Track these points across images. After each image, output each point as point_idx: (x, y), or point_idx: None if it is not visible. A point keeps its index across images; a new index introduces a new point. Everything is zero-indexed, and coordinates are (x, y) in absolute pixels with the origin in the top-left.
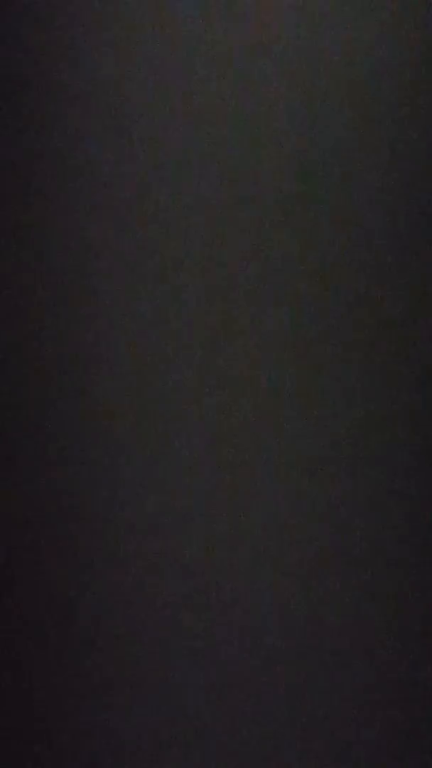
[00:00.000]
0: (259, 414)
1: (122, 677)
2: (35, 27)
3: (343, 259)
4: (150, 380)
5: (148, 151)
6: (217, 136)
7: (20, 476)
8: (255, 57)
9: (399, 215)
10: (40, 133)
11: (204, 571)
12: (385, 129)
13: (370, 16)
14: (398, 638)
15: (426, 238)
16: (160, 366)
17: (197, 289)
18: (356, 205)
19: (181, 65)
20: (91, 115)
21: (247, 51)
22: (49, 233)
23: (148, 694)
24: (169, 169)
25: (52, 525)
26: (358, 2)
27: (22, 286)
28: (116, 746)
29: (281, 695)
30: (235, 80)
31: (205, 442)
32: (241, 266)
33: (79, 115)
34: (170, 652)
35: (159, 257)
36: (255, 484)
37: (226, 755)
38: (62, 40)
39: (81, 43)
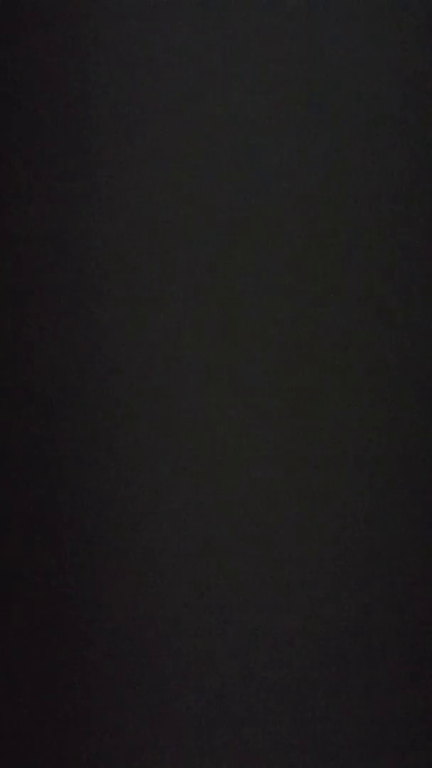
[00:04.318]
0: (259, 413)
1: (121, 679)
2: (35, 27)
3: (344, 258)
4: (149, 380)
5: (148, 152)
6: (217, 136)
7: (18, 475)
8: (256, 59)
9: (400, 217)
10: (39, 134)
11: (204, 571)
12: (385, 130)
13: (372, 20)
14: (399, 638)
15: (426, 238)
16: (160, 365)
17: (197, 290)
18: (357, 207)
19: (181, 67)
20: (92, 116)
21: (247, 53)
22: (49, 233)
23: (146, 695)
24: (169, 171)
25: (51, 524)
26: (360, 7)
27: (21, 283)
28: (115, 747)
29: (281, 697)
30: (236, 82)
31: (204, 442)
32: (242, 267)
33: (79, 117)
34: (169, 653)
35: (159, 258)
36: (255, 483)
37: (225, 756)
38: (62, 41)
39: (81, 43)
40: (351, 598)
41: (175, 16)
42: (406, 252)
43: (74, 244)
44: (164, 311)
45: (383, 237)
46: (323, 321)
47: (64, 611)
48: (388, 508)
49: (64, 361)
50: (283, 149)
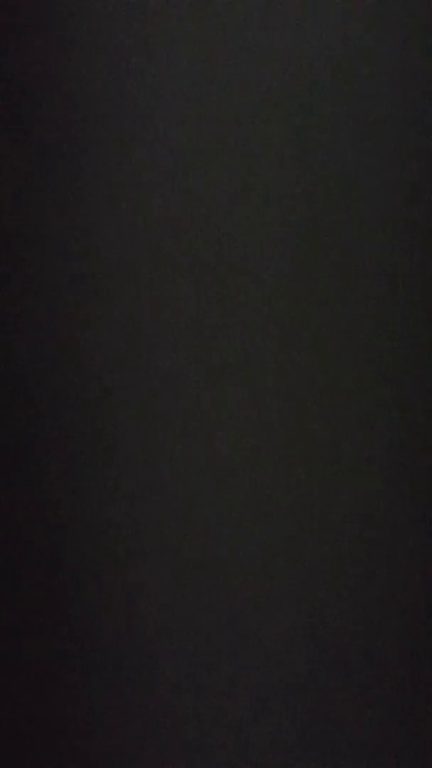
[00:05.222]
0: (258, 410)
1: (121, 678)
2: (35, 27)
3: (343, 258)
4: (148, 378)
5: (147, 151)
6: (217, 136)
7: (17, 473)
8: (256, 58)
9: (399, 217)
10: (40, 134)
11: (204, 570)
12: (385, 130)
13: (372, 19)
14: (399, 638)
15: (426, 239)
16: (159, 363)
17: (197, 291)
18: (356, 207)
19: (181, 67)
20: (92, 116)
21: (247, 53)
22: (49, 233)
23: (147, 695)
24: (169, 171)
25: (51, 524)
26: (360, 6)
27: (21, 282)
28: (115, 746)
29: (281, 697)
30: (235, 81)
31: (203, 440)
32: (241, 267)
33: (79, 116)
34: (169, 653)
35: (158, 256)
36: (255, 482)
37: (225, 756)
38: (62, 41)
39: (81, 43)
40: (351, 598)
41: (174, 16)
42: (406, 252)
43: (74, 244)
44: (164, 311)
45: (383, 237)
46: (323, 321)
47: (63, 611)
48: (388, 508)
49: (64, 361)
50: (283, 149)
